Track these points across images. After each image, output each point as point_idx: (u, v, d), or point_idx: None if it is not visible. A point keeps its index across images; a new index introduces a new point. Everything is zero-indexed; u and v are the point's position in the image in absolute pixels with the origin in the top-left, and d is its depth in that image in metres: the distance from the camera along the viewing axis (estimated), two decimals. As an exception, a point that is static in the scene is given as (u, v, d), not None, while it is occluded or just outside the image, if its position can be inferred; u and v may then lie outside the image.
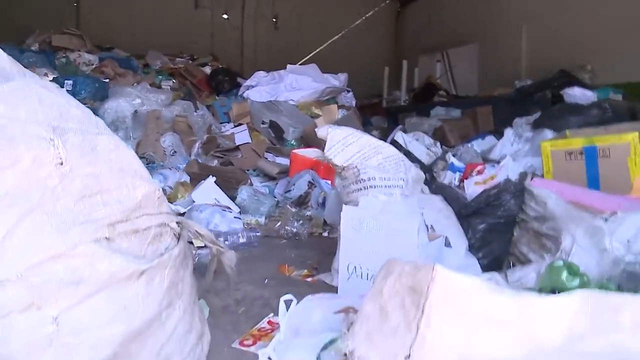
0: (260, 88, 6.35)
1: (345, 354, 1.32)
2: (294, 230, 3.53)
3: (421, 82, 10.59)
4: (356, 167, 2.57)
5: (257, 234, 3.52)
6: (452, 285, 1.09)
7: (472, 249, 2.59)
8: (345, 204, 2.66)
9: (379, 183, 2.51)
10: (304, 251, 3.26)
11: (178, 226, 1.56)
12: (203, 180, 3.87)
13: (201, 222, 3.33)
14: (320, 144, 4.76)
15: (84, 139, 1.25)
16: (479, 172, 2.99)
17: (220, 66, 7.94)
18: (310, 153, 4.30)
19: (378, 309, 1.28)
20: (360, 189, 2.56)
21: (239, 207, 3.85)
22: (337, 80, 6.74)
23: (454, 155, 3.48)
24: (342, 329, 1.49)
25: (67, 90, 6.01)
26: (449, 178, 3.15)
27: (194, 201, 3.72)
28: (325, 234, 3.70)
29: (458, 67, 10.77)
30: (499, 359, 1.08)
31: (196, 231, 1.79)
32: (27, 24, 8.10)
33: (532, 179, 2.80)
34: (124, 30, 11.06)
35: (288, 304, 1.82)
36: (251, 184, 4.40)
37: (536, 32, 8.51)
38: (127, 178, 1.33)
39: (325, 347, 1.48)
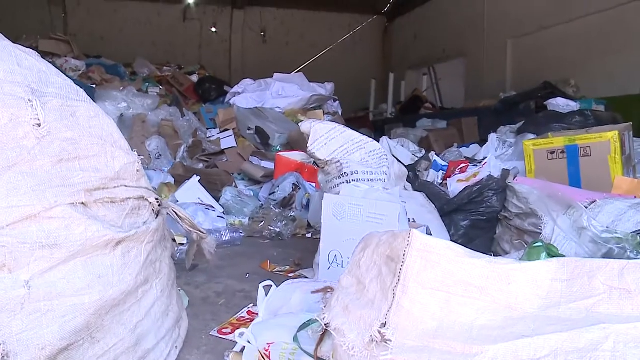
0: (246, 95, 6.36)
1: (324, 329, 1.31)
2: (278, 230, 3.52)
3: (407, 95, 10.69)
4: (339, 161, 2.57)
5: (241, 234, 3.51)
6: (429, 250, 1.09)
7: (455, 245, 2.60)
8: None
9: (362, 177, 2.51)
10: (287, 250, 3.25)
11: (158, 203, 1.54)
12: (187, 181, 3.85)
13: (184, 220, 3.31)
14: (305, 148, 4.79)
15: (64, 104, 1.24)
16: (462, 170, 3.00)
17: (207, 74, 7.94)
18: (295, 155, 4.31)
19: (355, 282, 1.28)
20: (343, 183, 2.55)
21: (223, 208, 3.83)
22: (324, 88, 6.76)
23: (437, 156, 3.49)
24: (320, 307, 1.48)
25: (53, 94, 6.05)
26: (432, 177, 3.15)
27: (177, 200, 3.70)
28: (309, 235, 3.69)
29: (444, 80, 10.88)
30: (477, 326, 1.07)
31: (175, 213, 1.78)
32: (15, 34, 8.09)
33: (514, 178, 2.82)
34: (112, 41, 11.11)
35: (267, 289, 1.81)
36: (236, 187, 4.38)
37: (521, 48, 8.66)
38: (106, 147, 1.32)
39: (302, 327, 1.46)
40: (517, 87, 7.92)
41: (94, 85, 6.37)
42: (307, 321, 1.47)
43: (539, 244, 1.50)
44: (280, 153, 4.51)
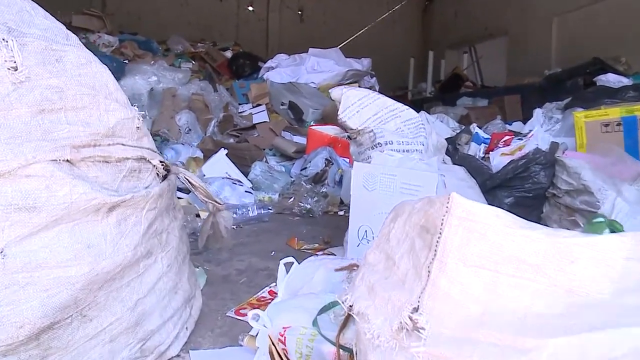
0: (280, 70, 6.17)
1: (346, 312, 1.13)
2: (308, 207, 3.35)
3: (447, 73, 10.39)
4: (372, 130, 2.37)
5: (269, 210, 3.35)
6: (472, 218, 0.89)
7: (497, 224, 2.38)
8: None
9: (397, 147, 2.31)
10: (317, 228, 3.07)
11: (163, 166, 1.37)
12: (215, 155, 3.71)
13: (210, 195, 3.16)
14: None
15: (48, 47, 1.07)
16: (506, 143, 2.76)
17: (241, 50, 7.78)
18: (328, 130, 4.11)
19: (384, 257, 1.09)
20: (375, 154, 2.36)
21: (252, 183, 3.67)
22: (360, 64, 6.54)
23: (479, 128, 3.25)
24: (343, 288, 1.30)
25: (85, 68, 5.97)
26: (473, 150, 2.92)
27: (204, 175, 3.56)
28: (341, 213, 3.51)
29: (485, 59, 10.52)
30: (531, 313, 0.87)
31: (187, 179, 1.61)
32: (53, 11, 8.05)
33: (563, 153, 2.57)
34: (149, 21, 11.02)
35: (288, 267, 1.63)
36: (267, 162, 4.22)
37: (567, 24, 8.26)
38: (99, 98, 1.15)
39: (324, 310, 1.28)
40: (562, 64, 7.54)
41: (127, 61, 6.27)
42: (330, 303, 1.28)
43: (600, 219, 1.28)
44: (313, 127, 4.32)
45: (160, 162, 1.36)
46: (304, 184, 3.54)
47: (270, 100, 5.67)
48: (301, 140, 4.53)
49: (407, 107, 2.48)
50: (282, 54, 6.66)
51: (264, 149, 4.50)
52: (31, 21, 1.09)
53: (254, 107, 5.59)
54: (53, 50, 1.08)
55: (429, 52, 10.91)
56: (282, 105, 5.54)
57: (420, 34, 13.56)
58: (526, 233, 0.87)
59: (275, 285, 1.99)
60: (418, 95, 10.55)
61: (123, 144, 1.20)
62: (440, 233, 0.91)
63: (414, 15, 13.47)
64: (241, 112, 5.44)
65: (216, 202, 1.77)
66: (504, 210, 0.89)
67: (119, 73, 5.59)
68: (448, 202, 0.91)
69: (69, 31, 1.19)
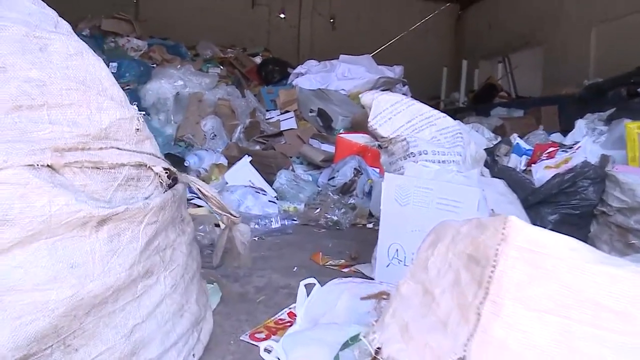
0: (310, 76, 6.02)
1: (373, 355, 0.94)
2: (335, 219, 3.17)
3: (481, 83, 10.17)
4: (405, 139, 2.19)
5: (294, 221, 3.19)
6: (537, 249, 0.70)
7: (541, 244, 2.17)
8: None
9: (432, 157, 2.12)
10: (344, 241, 2.89)
11: (167, 174, 1.21)
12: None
13: (232, 204, 3.01)
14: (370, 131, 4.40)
15: (29, 34, 0.92)
16: (550, 155, 2.55)
17: (271, 56, 7.66)
18: (358, 138, 3.93)
19: (420, 290, 0.91)
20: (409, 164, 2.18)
21: (277, 193, 3.51)
22: (392, 72, 6.36)
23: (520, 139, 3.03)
24: (370, 320, 1.12)
25: (112, 73, 5.89)
26: (513, 162, 2.71)
27: (227, 182, 3.41)
28: (370, 226, 3.32)
29: (519, 70, 10.25)
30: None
31: (199, 189, 1.45)
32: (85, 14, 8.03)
33: (613, 166, 2.35)
34: (181, 27, 11.03)
35: (309, 288, 1.46)
36: (293, 170, 4.06)
37: (607, 33, 7.97)
38: (89, 94, 0.99)
39: (347, 345, 1.10)
40: (601, 74, 7.25)
41: (155, 65, 6.19)
42: (354, 336, 1.10)
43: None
44: (342, 134, 4.15)
45: (166, 169, 1.19)
46: (331, 194, 3.37)
47: (299, 107, 5.52)
48: (329, 148, 4.36)
49: (443, 114, 2.29)
50: (312, 60, 6.51)
51: (291, 157, 4.35)
52: (13, 4, 0.94)
53: (281, 113, 5.45)
54: (36, 37, 0.93)
55: (463, 62, 10.70)
56: (310, 112, 5.38)
57: (453, 43, 13.37)
58: (609, 271, 0.68)
59: (295, 306, 1.82)
60: (450, 105, 10.32)
61: (119, 148, 1.04)
62: (493, 266, 0.73)
63: (447, 24, 13.29)
64: (268, 119, 5.30)
65: (231, 214, 1.60)
66: (579, 241, 0.70)
67: (145, 77, 5.51)
68: (504, 228, 0.73)
69: (60, 19, 1.04)
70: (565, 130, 4.78)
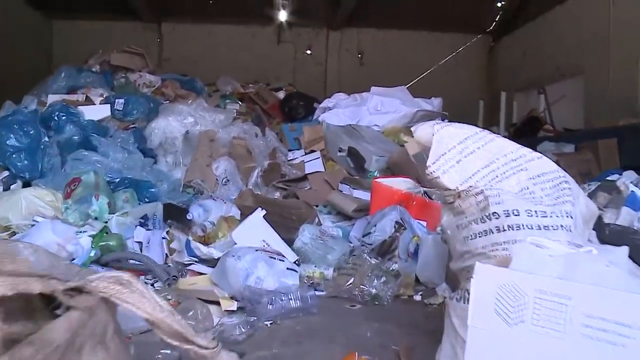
0: (338, 111, 5.33)
1: None
2: (373, 291, 2.42)
3: (522, 117, 9.43)
4: (482, 192, 1.46)
5: (320, 293, 2.47)
6: None
7: None
8: (460, 258, 1.55)
9: (526, 221, 1.39)
10: (387, 326, 2.14)
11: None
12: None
13: (238, 275, 2.30)
14: (412, 173, 3.66)
15: None
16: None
17: (295, 90, 7.05)
18: (399, 183, 3.20)
19: None
20: (491, 231, 1.44)
21: (298, 254, 2.79)
22: (430, 104, 5.64)
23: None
24: None
25: (118, 110, 5.32)
26: (625, 218, 1.94)
27: (235, 244, 2.70)
28: (418, 298, 2.57)
29: (559, 102, 9.49)
30: None
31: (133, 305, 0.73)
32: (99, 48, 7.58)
33: None
34: (204, 66, 10.73)
35: None
36: (319, 224, 3.33)
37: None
38: None
39: None
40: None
41: (168, 102, 5.60)
42: None
43: None
44: (379, 179, 3.40)
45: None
46: (367, 257, 2.62)
47: (326, 146, 4.83)
48: (363, 195, 3.62)
49: (538, 154, 1.56)
50: (340, 93, 5.85)
51: (317, 206, 3.62)
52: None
53: (306, 153, 4.76)
54: None
55: (501, 94, 10.02)
56: (339, 151, 4.67)
57: (485, 75, 12.77)
58: None
59: None
60: (490, 142, 9.56)
61: None
62: None
63: (478, 57, 12.70)
64: (291, 160, 4.61)
65: (199, 345, 0.87)
66: None
67: (155, 114, 4.91)
68: None
69: None
70: (628, 166, 4.04)
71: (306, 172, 4.32)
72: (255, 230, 2.67)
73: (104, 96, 5.20)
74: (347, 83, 11.59)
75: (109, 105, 4.79)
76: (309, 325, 2.12)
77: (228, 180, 4.01)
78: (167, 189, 4.07)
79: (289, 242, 2.85)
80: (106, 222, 3.15)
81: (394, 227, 2.86)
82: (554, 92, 9.52)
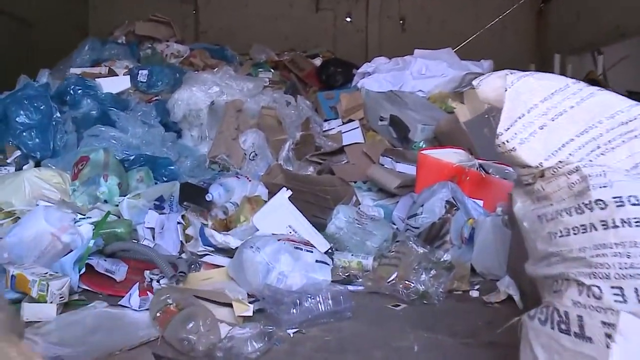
0: (379, 76, 4.83)
1: None
2: (421, 288, 1.99)
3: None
4: (578, 169, 1.01)
5: (357, 288, 2.05)
6: None
7: None
8: (544, 262, 1.11)
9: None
10: (440, 336, 1.71)
11: None
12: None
13: (257, 271, 1.91)
14: (463, 143, 3.18)
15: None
16: None
17: (333, 56, 6.58)
18: (449, 155, 2.73)
19: None
20: (594, 227, 0.99)
21: (331, 241, 2.37)
22: (480, 67, 5.10)
23: None
24: None
25: (141, 82, 4.97)
26: None
27: (257, 230, 2.30)
28: (475, 293, 2.14)
29: (619, 64, 8.76)
30: None
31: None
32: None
33: None
34: (241, 36, 10.44)
35: None
36: (358, 203, 2.90)
37: None
38: None
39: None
40: None
41: (196, 72, 5.23)
42: None
43: None
44: (426, 151, 2.93)
45: None
46: (413, 245, 2.19)
47: (366, 115, 4.36)
48: (408, 169, 3.15)
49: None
50: (381, 57, 5.35)
51: (355, 182, 3.19)
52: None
53: (344, 123, 4.31)
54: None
55: (555, 57, 9.36)
56: (380, 120, 4.20)
57: (533, 40, 12.02)
58: None
59: None
60: (543, 106, 8.95)
61: None
62: None
63: (526, 20, 11.96)
64: (326, 131, 4.17)
65: None
66: None
67: (180, 85, 4.53)
68: None
69: None
70: None
71: (343, 143, 3.88)
72: (280, 214, 2.26)
73: (129, 68, 4.87)
74: (389, 50, 11.04)
75: (129, 76, 4.43)
76: (341, 335, 1.71)
77: (256, 155, 3.60)
78: (191, 165, 3.70)
79: (321, 227, 2.44)
80: (117, 205, 2.82)
81: (445, 207, 2.41)
82: (613, 54, 8.82)
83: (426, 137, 3.83)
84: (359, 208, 2.70)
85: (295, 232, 2.24)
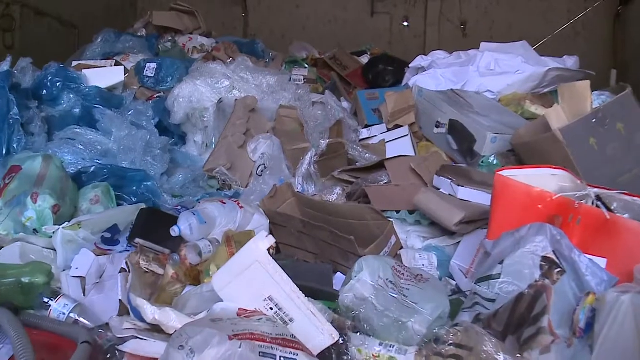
0: (436, 72, 3.85)
1: None
2: None
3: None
4: None
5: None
6: None
7: None
8: None
9: None
10: None
11: None
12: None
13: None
14: (557, 161, 2.18)
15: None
16: None
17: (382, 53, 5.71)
18: (546, 179, 1.72)
19: None
20: None
21: (348, 318, 1.43)
22: (562, 64, 4.08)
23: None
24: None
25: (148, 77, 4.17)
26: None
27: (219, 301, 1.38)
28: None
29: None
30: None
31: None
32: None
33: None
34: (294, 39, 9.91)
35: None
36: (398, 247, 1.94)
37: None
38: None
39: None
40: None
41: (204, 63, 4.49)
42: None
43: None
44: (506, 171, 1.89)
45: None
46: (485, 337, 1.22)
47: (418, 120, 3.40)
48: (474, 196, 2.17)
49: None
50: (439, 51, 4.38)
51: (398, 213, 2.23)
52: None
53: (389, 130, 3.36)
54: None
55: (612, 72, 8.46)
56: (437, 126, 3.23)
57: (610, 46, 10.96)
58: None
59: None
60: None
61: None
62: None
63: (602, 25, 10.91)
64: (365, 139, 3.24)
65: None
66: None
67: (191, 81, 3.70)
68: None
69: None
70: None
71: (387, 156, 2.94)
72: (253, 275, 1.32)
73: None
74: (448, 57, 10.34)
75: (123, 67, 3.63)
76: None
77: (265, 168, 2.70)
78: (183, 180, 2.84)
79: (333, 298, 1.50)
80: (51, 237, 1.97)
81: (541, 268, 1.43)
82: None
83: (499, 150, 2.84)
84: (397, 263, 1.73)
85: (279, 310, 1.30)
